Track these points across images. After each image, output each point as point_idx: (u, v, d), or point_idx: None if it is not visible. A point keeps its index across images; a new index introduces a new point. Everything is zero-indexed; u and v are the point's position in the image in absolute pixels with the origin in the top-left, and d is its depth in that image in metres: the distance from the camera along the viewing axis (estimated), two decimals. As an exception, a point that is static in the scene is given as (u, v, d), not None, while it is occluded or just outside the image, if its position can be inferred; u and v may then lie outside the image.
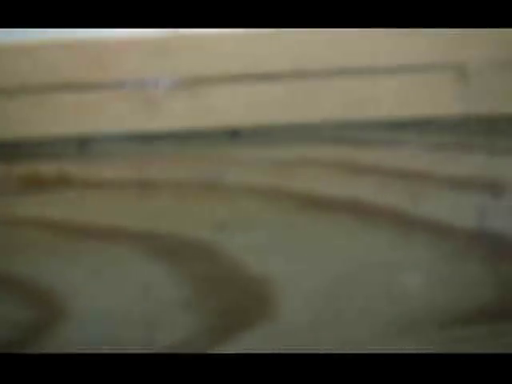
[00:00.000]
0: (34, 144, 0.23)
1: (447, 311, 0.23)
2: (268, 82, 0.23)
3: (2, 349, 0.26)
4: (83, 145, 0.23)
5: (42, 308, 0.24)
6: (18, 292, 0.24)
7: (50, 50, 0.23)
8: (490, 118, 0.23)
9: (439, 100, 0.23)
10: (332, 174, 0.23)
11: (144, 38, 0.23)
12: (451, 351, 0.25)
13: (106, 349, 0.25)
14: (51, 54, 0.23)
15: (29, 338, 0.24)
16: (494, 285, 0.23)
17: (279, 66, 0.23)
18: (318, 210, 0.24)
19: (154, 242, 0.23)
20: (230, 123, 0.23)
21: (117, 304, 0.23)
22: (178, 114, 0.23)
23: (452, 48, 0.23)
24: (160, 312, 0.23)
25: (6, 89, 0.23)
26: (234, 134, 0.23)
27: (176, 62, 0.23)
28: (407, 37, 0.23)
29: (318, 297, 0.24)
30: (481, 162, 0.23)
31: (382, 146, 0.23)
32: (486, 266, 0.23)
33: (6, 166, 0.23)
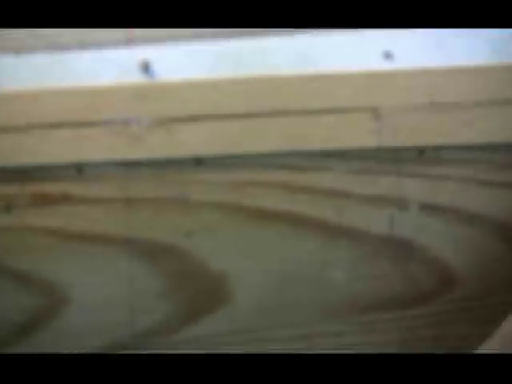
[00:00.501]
0: (43, 169, 0.28)
1: (364, 300, 0.28)
2: (226, 120, 0.28)
3: (17, 329, 0.31)
4: (81, 170, 0.28)
5: (48, 296, 0.29)
6: (29, 284, 0.29)
7: (53, 95, 0.28)
8: (397, 149, 0.28)
9: (358, 135, 0.28)
10: (275, 192, 0.28)
11: (129, 85, 0.28)
12: (366, 331, 0.31)
13: (98, 330, 0.30)
14: (54, 98, 0.28)
15: (39, 320, 0.29)
16: (401, 279, 0.29)
17: (235, 108, 0.28)
18: (264, 221, 0.29)
19: (137, 246, 0.28)
20: (195, 153, 0.28)
21: (107, 293, 0.29)
22: (155, 146, 0.28)
23: (369, 94, 0.28)
24: (141, 300, 0.28)
25: (19, 126, 0.28)
26: (198, 162, 0.28)
27: (154, 105, 0.28)
28: (336, 84, 0.28)
29: (263, 288, 0.29)
30: (390, 183, 0.28)
31: (314, 170, 0.28)
32: (395, 265, 0.28)
33: (21, 185, 0.28)
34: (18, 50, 0.30)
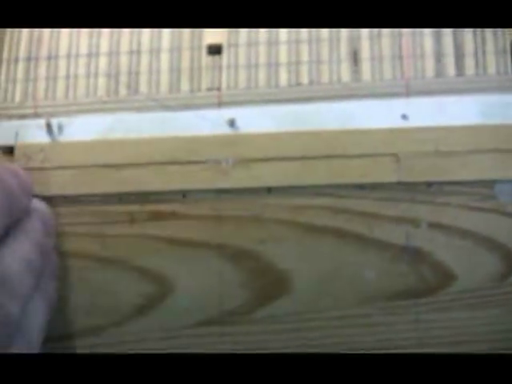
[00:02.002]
0: (157, 194, 0.36)
1: (388, 291, 0.35)
2: (289, 162, 0.35)
3: (137, 309, 0.36)
4: (185, 195, 0.35)
5: (160, 285, 0.35)
6: (147, 276, 0.35)
7: (166, 141, 0.35)
8: (411, 183, 0.36)
9: (383, 173, 0.35)
10: (323, 213, 0.35)
11: (220, 136, 0.36)
12: (388, 314, 0.35)
13: (194, 310, 0.35)
14: (167, 143, 0.35)
15: (153, 302, 0.35)
16: (415, 277, 0.36)
17: (295, 153, 0.35)
18: (315, 233, 0.35)
19: (225, 250, 0.35)
20: (267, 185, 0.36)
21: (202, 284, 0.35)
22: (238, 179, 0.35)
23: (391, 144, 0.34)
24: (227, 289, 0.36)
25: (140, 163, 0.36)
26: (269, 191, 0.35)
27: (237, 150, 0.35)
28: (368, 136, 0.35)
29: (315, 282, 0.36)
30: (406, 207, 0.36)
31: (351, 198, 0.35)
32: (410, 266, 0.35)
33: (140, 205, 0.35)
34: (139, 109, 0.36)
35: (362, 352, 0.36)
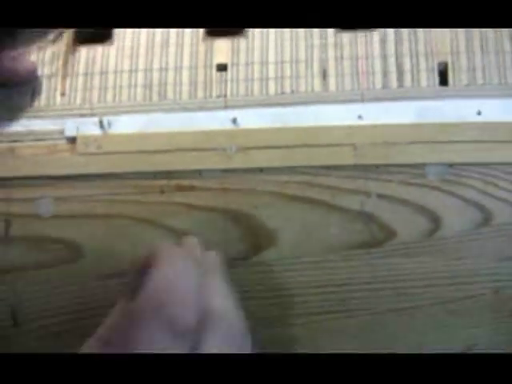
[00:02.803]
0: (179, 172, 0.46)
1: (350, 243, 0.43)
2: (279, 149, 0.45)
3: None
4: (200, 173, 0.45)
5: (179, 238, 0.43)
6: (169, 231, 0.44)
7: (188, 134, 0.44)
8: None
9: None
10: (303, 187, 0.45)
11: (225, 130, 0.44)
12: (349, 260, 0.42)
13: None
14: (189, 136, 0.44)
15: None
16: (368, 233, 0.44)
17: (285, 142, 0.46)
18: (297, 202, 0.43)
19: (228, 213, 0.45)
20: (260, 165, 0.47)
21: (210, 238, 0.43)
22: (239, 161, 0.44)
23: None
24: (230, 242, 0.43)
25: (170, 150, 0.46)
26: (261, 170, 0.47)
27: (238, 140, 0.44)
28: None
29: (295, 236, 0.43)
30: (360, 183, 0.46)
31: (322, 176, 0.47)
32: (365, 225, 0.43)
33: (168, 180, 0.44)
34: (167, 110, 0.45)
35: (329, 288, 0.44)
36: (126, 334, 0.34)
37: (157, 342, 0.33)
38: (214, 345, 0.35)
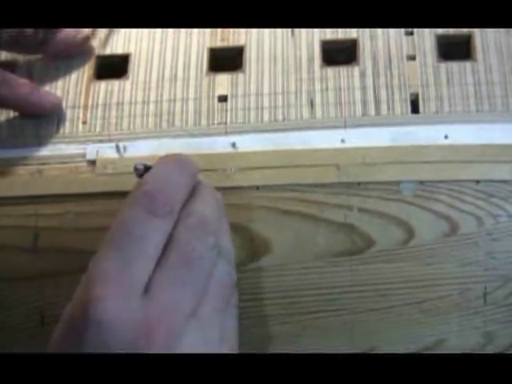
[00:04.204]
0: None
1: (333, 251, 0.46)
2: (274, 169, 0.50)
3: None
4: None
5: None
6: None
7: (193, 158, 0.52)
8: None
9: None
10: (294, 202, 0.49)
11: (224, 153, 0.49)
12: (333, 266, 0.45)
13: None
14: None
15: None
16: (350, 242, 0.47)
17: (276, 163, 0.50)
18: (286, 216, 0.47)
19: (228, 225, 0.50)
20: (256, 183, 0.50)
21: None
22: (239, 179, 0.47)
23: None
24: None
25: None
26: (257, 188, 0.50)
27: (237, 162, 0.49)
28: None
29: (287, 245, 0.47)
30: (343, 198, 0.49)
31: (310, 193, 0.51)
32: (347, 235, 0.46)
33: None
34: (175, 136, 0.48)
35: (317, 290, 0.46)
36: (119, 214, 0.37)
37: (138, 219, 0.36)
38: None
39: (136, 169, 0.41)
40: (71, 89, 0.52)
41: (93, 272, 0.36)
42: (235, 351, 0.39)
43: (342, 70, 0.50)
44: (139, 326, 0.35)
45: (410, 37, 0.50)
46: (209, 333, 0.37)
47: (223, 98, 0.50)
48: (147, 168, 0.41)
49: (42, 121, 0.50)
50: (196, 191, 0.41)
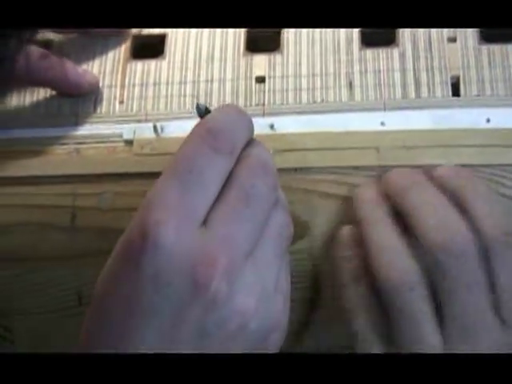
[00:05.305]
0: None
1: None
2: (309, 151, 0.48)
3: None
4: None
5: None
6: None
7: None
8: None
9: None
10: (332, 185, 0.46)
11: (264, 135, 0.47)
12: None
13: None
14: None
15: None
16: None
17: (313, 145, 0.48)
18: (322, 199, 0.45)
19: None
20: (295, 166, 0.48)
21: None
22: (277, 162, 0.48)
23: None
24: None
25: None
26: (295, 170, 0.48)
27: (275, 144, 0.47)
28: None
29: (325, 227, 0.47)
30: None
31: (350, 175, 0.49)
32: None
33: None
34: None
35: None
36: (181, 147, 0.37)
37: (200, 154, 0.35)
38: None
39: (198, 107, 0.40)
40: (108, 68, 0.50)
41: (152, 197, 0.35)
42: (287, 306, 0.38)
43: (382, 52, 0.49)
44: (198, 256, 0.34)
45: (450, 18, 0.48)
46: (265, 276, 0.36)
47: (261, 79, 0.49)
48: (208, 111, 0.40)
49: (78, 100, 0.49)
50: (253, 141, 0.40)
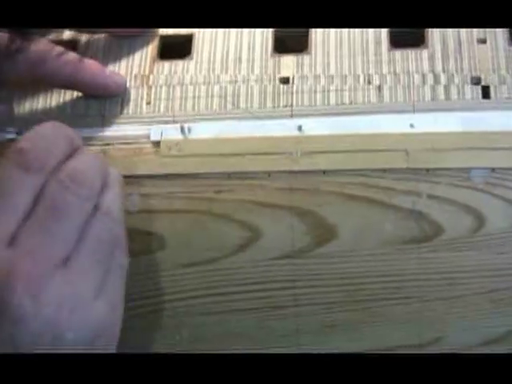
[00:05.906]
0: (252, 173, 0.48)
1: (400, 238, 0.44)
2: (339, 154, 0.47)
3: (237, 247, 0.43)
4: (270, 175, 0.47)
5: (252, 232, 0.44)
6: (243, 225, 0.44)
7: (264, 140, 0.48)
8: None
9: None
10: (361, 188, 0.45)
11: (291, 136, 0.46)
12: (402, 253, 0.44)
13: None
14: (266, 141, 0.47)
15: (248, 244, 0.44)
16: (419, 229, 0.44)
17: (343, 148, 0.47)
18: (352, 201, 0.44)
19: (295, 210, 0.46)
20: (323, 168, 0.48)
21: (279, 233, 0.44)
22: (303, 164, 0.45)
23: None
24: (296, 236, 0.45)
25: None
26: (324, 172, 0.47)
27: (303, 145, 0.46)
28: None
29: (353, 231, 0.44)
30: (412, 184, 0.47)
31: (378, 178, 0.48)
32: (416, 222, 0.44)
33: (241, 180, 0.48)
34: (240, 118, 0.46)
35: (384, 277, 0.44)
36: None
37: (7, 174, 0.36)
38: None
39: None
40: (134, 69, 0.49)
41: None
42: (118, 309, 0.39)
43: (411, 53, 0.47)
44: (1, 274, 0.34)
45: (480, 19, 0.47)
46: (81, 284, 0.37)
47: (287, 80, 0.48)
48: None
49: (105, 101, 0.48)
50: (74, 154, 0.40)
